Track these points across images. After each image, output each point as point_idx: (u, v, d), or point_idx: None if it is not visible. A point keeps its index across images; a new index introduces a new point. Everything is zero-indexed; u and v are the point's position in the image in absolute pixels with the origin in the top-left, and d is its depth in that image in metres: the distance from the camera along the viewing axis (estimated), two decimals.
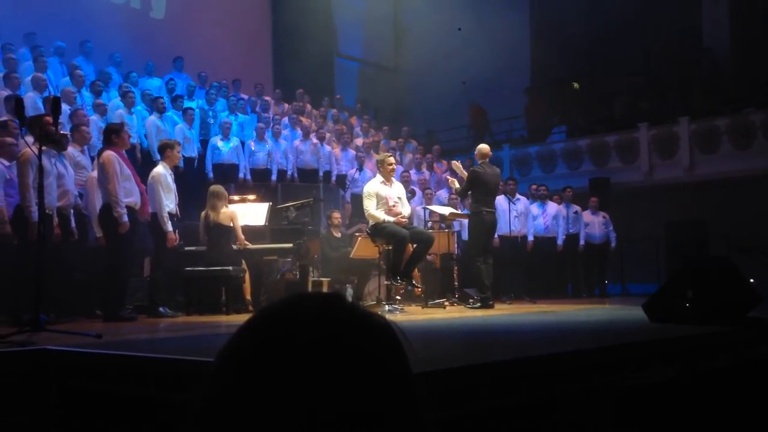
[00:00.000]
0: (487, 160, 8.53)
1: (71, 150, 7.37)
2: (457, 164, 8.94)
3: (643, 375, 2.86)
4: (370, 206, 7.74)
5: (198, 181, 10.40)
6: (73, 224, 6.96)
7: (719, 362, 3.38)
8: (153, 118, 10.43)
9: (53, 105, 5.20)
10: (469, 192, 8.43)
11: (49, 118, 5.93)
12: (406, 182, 9.80)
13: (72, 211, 6.94)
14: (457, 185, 8.63)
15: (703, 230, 12.51)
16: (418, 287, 8.22)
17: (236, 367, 0.72)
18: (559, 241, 12.08)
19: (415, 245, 7.73)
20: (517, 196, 11.46)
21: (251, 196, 9.19)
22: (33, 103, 8.70)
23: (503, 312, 7.46)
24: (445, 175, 11.68)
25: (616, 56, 17.24)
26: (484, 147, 8.67)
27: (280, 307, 0.77)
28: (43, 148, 5.11)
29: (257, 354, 0.71)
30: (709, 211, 13.40)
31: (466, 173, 8.51)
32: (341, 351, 0.71)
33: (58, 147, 6.55)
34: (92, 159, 7.74)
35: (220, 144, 11.07)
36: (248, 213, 8.56)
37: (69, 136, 7.44)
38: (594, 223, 12.47)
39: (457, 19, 16.58)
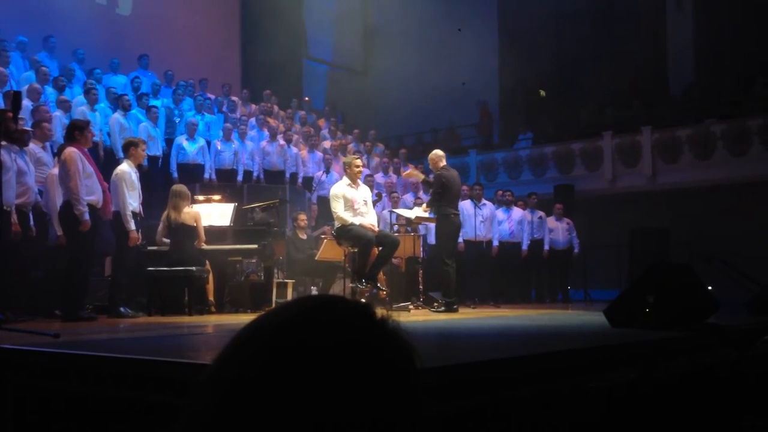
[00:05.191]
0: (445, 162, 8.48)
1: (32, 146, 7.23)
2: (409, 173, 9.19)
3: (605, 378, 2.89)
4: (338, 208, 7.72)
5: (162, 181, 10.28)
6: (32, 222, 6.83)
7: (678, 366, 3.43)
8: (117, 116, 10.28)
9: (14, 100, 5.09)
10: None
11: (10, 114, 5.82)
12: (370, 185, 9.80)
13: (31, 208, 6.81)
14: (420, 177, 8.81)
15: (665, 238, 12.69)
16: (383, 290, 8.22)
17: (253, 370, 0.68)
18: (524, 247, 12.17)
19: (380, 248, 7.73)
20: (483, 201, 11.54)
21: (216, 197, 9.07)
22: None
23: (467, 316, 7.48)
24: (412, 180, 11.82)
25: (583, 65, 17.46)
26: (440, 152, 8.59)
27: (297, 309, 0.74)
28: (3, 143, 5.01)
29: (277, 357, 0.68)
30: (671, 219, 13.63)
31: (422, 176, 8.66)
32: (361, 354, 0.69)
33: (18, 143, 6.42)
34: (54, 155, 7.60)
35: (185, 144, 10.95)
36: (213, 213, 8.46)
37: (30, 132, 7.30)
38: (558, 229, 12.59)
39: (426, 24, 16.66)
